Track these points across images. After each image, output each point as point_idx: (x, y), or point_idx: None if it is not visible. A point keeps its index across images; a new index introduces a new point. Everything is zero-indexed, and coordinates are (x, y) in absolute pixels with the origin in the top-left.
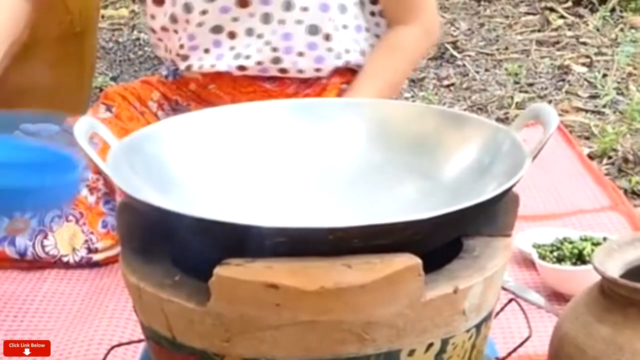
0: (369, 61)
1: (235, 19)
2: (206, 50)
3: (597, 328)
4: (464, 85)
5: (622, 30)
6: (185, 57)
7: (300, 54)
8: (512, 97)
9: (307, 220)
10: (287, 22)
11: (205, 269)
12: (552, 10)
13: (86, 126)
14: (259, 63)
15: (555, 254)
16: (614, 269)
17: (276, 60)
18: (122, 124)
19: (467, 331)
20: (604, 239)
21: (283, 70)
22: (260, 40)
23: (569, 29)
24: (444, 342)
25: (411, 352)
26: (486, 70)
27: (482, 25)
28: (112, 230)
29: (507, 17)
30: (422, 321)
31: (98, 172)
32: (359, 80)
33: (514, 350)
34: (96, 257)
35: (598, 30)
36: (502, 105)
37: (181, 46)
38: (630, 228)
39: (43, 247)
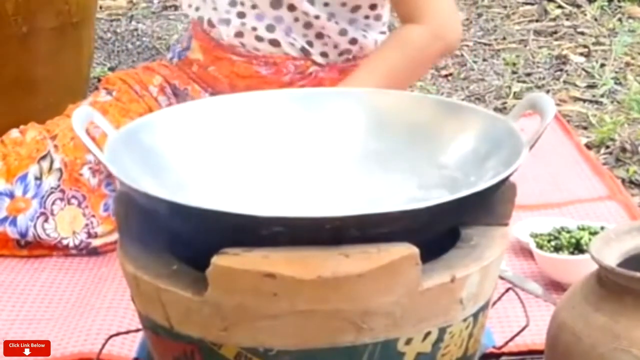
0: (370, 55)
1: None
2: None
3: (594, 317)
4: (462, 75)
5: (619, 20)
6: (197, 8)
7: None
8: (509, 87)
9: (304, 209)
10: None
11: (203, 259)
12: (550, 0)
13: (83, 115)
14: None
15: (552, 243)
16: (611, 258)
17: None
18: (122, 105)
19: (465, 320)
20: (602, 228)
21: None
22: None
23: (567, 19)
24: (441, 331)
25: (408, 341)
26: (484, 60)
27: (480, 15)
28: (113, 215)
29: (505, 7)
30: (419, 310)
31: None
32: (356, 72)
33: (511, 339)
34: (95, 242)
35: (596, 20)
36: (499, 95)
37: None
38: (627, 217)
39: (44, 229)
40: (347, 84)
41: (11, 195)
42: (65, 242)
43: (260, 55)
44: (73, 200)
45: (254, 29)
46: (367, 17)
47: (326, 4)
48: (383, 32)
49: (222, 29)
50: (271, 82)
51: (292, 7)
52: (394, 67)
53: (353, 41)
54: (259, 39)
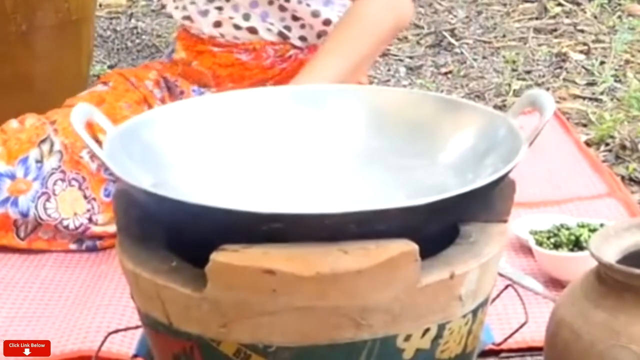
0: (329, 35)
1: None
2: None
3: (593, 313)
4: (462, 73)
5: (619, 17)
6: (184, 7)
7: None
8: (509, 85)
9: (304, 205)
10: None
11: (202, 255)
12: None
13: (82, 112)
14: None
15: (552, 240)
16: (611, 255)
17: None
18: (118, 93)
19: (464, 317)
20: (601, 225)
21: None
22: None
23: (567, 17)
24: (440, 328)
25: (407, 337)
26: (484, 57)
27: (479, 12)
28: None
29: (505, 4)
30: (418, 306)
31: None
32: (319, 53)
33: (510, 335)
34: (95, 228)
35: (596, 17)
36: (499, 92)
37: None
38: (626, 214)
39: (45, 208)
40: (312, 66)
41: (12, 177)
42: (65, 222)
43: (239, 43)
44: (74, 182)
45: (231, 17)
46: None
47: None
48: None
49: (202, 21)
50: (252, 68)
51: None
52: (357, 44)
53: (327, 22)
54: (237, 27)
